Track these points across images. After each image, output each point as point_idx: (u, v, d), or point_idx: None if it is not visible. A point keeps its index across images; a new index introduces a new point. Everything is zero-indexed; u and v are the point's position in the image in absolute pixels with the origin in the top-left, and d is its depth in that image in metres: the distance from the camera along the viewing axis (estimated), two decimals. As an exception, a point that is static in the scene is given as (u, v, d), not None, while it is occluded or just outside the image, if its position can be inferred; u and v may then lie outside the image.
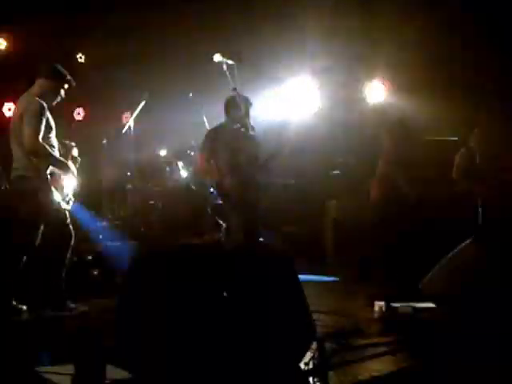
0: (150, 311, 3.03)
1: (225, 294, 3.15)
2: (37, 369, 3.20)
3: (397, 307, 4.93)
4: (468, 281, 4.39)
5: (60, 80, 5.13)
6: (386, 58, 8.58)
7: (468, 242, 4.86)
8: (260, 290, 3.29)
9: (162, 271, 3.11)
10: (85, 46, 8.53)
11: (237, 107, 5.76)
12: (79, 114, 9.99)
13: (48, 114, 4.97)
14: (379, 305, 5.14)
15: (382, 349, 3.67)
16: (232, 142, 6.05)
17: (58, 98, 5.13)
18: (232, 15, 8.55)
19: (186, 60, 8.28)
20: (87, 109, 9.58)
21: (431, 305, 4.63)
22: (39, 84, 5.07)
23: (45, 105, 4.93)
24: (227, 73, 5.05)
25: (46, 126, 4.89)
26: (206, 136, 6.13)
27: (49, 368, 3.21)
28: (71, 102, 9.67)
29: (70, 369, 2.98)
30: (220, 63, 5.05)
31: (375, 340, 3.92)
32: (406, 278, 6.55)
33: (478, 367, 3.41)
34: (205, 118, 8.09)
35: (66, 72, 5.15)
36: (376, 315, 4.67)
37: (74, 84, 5.15)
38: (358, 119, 6.46)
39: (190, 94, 8.00)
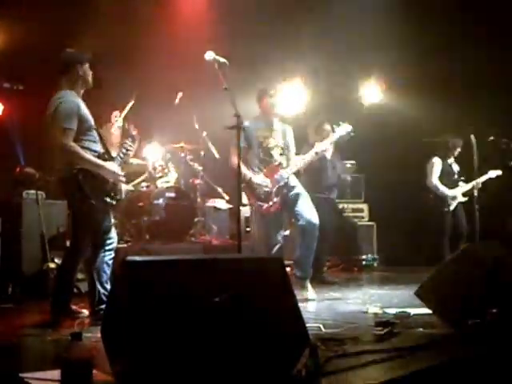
0: (139, 318, 2.93)
1: (214, 298, 3.07)
2: (21, 375, 3.10)
3: (392, 313, 4.88)
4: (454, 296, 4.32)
5: None
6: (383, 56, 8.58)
7: (459, 251, 4.81)
8: (249, 293, 3.21)
9: (150, 276, 3.01)
10: (73, 45, 8.40)
11: (272, 97, 5.75)
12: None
13: None
14: (374, 310, 5.08)
15: (377, 356, 3.57)
16: (263, 139, 5.97)
17: None
18: (225, 15, 8.50)
19: (176, 59, 8.21)
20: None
21: (427, 311, 4.57)
22: None
23: None
24: (219, 72, 4.93)
25: None
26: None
27: (34, 374, 3.11)
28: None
29: (55, 375, 2.89)
30: (212, 61, 4.92)
31: (370, 347, 3.83)
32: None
33: (476, 373, 3.36)
34: (195, 119, 8.04)
35: None
36: (371, 321, 4.60)
37: None
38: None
39: (180, 94, 7.94)
